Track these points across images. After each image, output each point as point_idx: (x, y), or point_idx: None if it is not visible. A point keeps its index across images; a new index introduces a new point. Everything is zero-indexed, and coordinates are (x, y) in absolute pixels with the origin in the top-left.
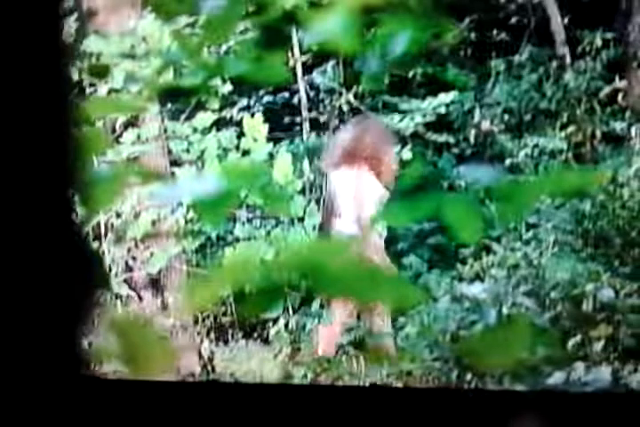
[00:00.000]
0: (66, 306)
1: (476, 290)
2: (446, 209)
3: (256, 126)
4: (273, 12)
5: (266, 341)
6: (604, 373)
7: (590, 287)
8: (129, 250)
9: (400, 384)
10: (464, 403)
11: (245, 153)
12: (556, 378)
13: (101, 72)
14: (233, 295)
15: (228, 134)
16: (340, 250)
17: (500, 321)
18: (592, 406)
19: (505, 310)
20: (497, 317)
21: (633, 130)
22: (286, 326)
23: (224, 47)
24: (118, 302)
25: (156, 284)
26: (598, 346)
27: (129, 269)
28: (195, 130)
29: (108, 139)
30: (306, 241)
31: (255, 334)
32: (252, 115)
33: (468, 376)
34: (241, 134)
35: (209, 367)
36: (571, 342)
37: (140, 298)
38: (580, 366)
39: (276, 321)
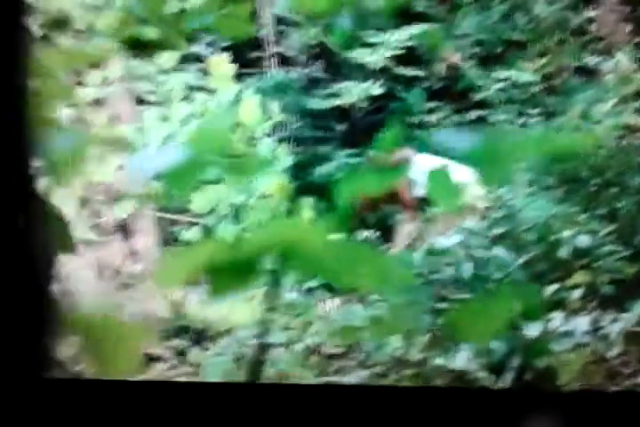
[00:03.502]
0: (27, 310)
1: (449, 242)
2: None
3: (221, 66)
4: None
5: None
6: (582, 322)
7: (567, 233)
8: (97, 195)
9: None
10: (475, 402)
11: (212, 92)
12: (533, 329)
13: (61, 24)
14: (204, 273)
15: (192, 74)
16: (317, 229)
17: (477, 278)
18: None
19: (479, 262)
20: (471, 270)
21: (608, 64)
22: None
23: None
24: (87, 248)
25: (124, 229)
26: (576, 294)
27: (97, 214)
28: (160, 70)
29: (70, 88)
30: (282, 221)
31: None
32: (217, 52)
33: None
34: (206, 73)
35: (180, 313)
36: (547, 291)
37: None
38: (557, 316)
39: None
